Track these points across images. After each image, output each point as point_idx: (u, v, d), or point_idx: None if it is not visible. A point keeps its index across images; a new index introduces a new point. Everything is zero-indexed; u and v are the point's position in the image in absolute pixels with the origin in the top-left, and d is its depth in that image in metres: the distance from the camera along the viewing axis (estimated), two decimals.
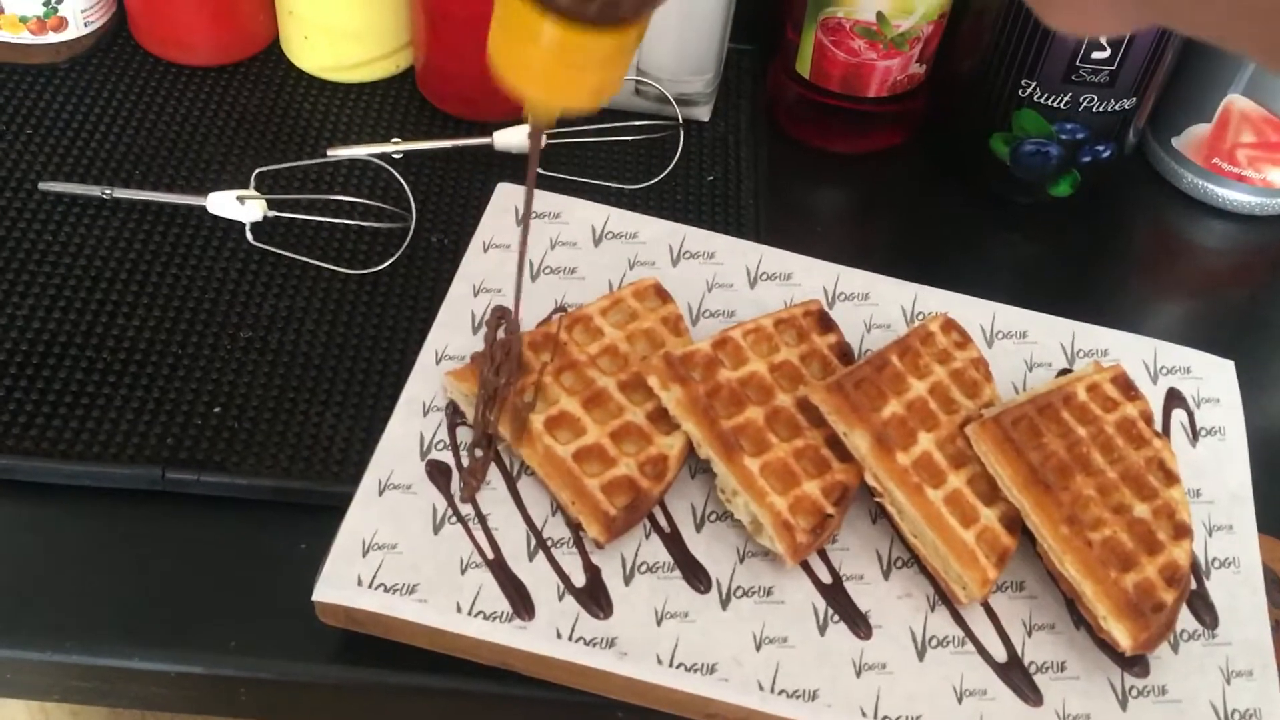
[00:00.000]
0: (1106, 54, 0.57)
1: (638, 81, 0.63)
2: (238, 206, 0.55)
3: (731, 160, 0.64)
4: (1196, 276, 0.65)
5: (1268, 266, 0.66)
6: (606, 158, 0.62)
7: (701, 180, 0.63)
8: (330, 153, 0.60)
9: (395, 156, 0.60)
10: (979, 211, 0.65)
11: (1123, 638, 0.43)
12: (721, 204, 0.62)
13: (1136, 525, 0.45)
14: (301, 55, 0.64)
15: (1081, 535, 0.43)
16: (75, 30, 0.62)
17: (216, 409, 0.50)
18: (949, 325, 0.50)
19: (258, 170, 0.56)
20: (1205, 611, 0.46)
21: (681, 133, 0.63)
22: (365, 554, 0.43)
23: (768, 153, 0.65)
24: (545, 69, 0.38)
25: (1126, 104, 0.59)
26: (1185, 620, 0.46)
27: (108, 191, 0.56)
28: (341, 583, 0.42)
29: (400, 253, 0.56)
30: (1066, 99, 0.59)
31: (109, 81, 0.63)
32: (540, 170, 0.60)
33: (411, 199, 0.56)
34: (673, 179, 0.62)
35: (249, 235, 0.56)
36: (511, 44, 0.40)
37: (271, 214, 0.56)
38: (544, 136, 0.49)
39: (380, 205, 0.58)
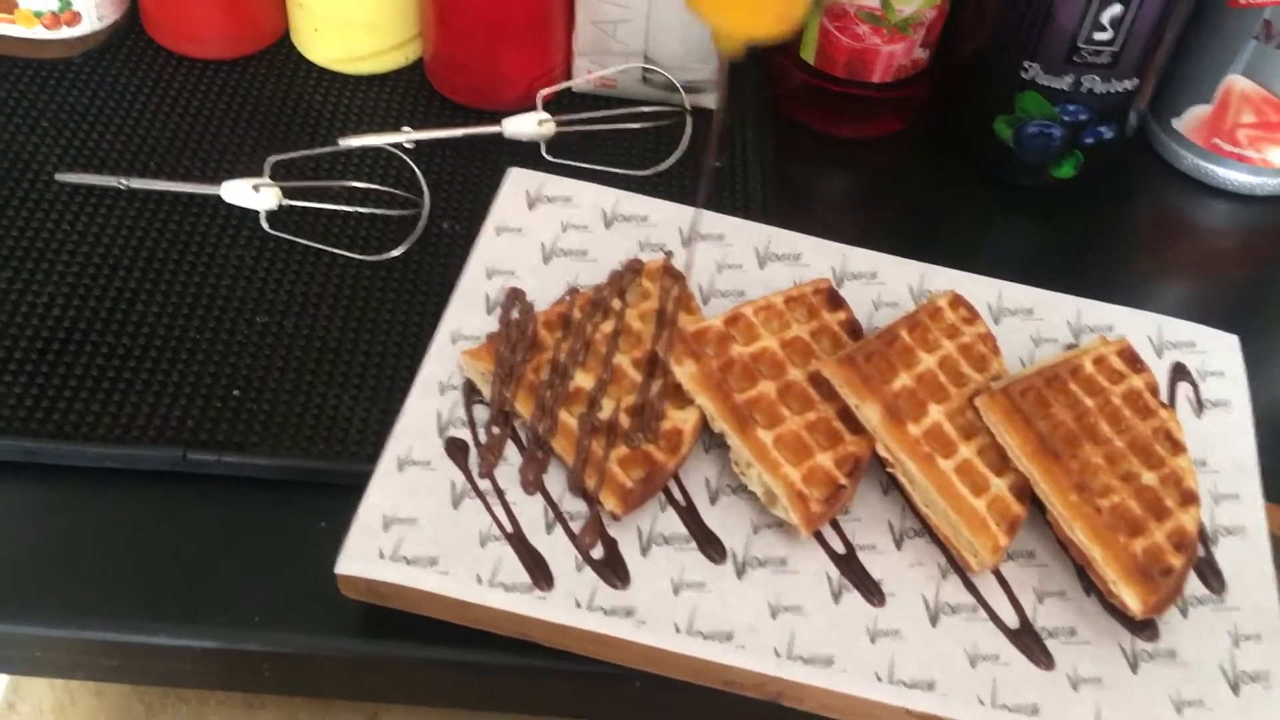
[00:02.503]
0: (1109, 35, 0.58)
1: (645, 70, 0.64)
2: (253, 195, 0.56)
3: (738, 146, 0.65)
4: (1198, 255, 0.66)
5: (1269, 245, 0.66)
6: (615, 145, 0.63)
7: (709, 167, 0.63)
8: (342, 142, 0.60)
9: (407, 145, 0.61)
10: (983, 194, 0.66)
11: (1132, 601, 0.43)
12: (729, 189, 0.62)
13: (1144, 492, 0.45)
14: (312, 48, 0.65)
15: (1090, 502, 0.44)
16: (89, 25, 0.63)
17: (235, 392, 0.50)
18: (957, 301, 0.51)
19: (272, 159, 0.57)
20: (1213, 577, 0.47)
21: (689, 119, 0.63)
22: (386, 528, 0.43)
23: (774, 139, 0.66)
24: None
25: (1128, 85, 0.60)
26: (1194, 586, 0.46)
27: (124, 182, 0.57)
28: (364, 556, 0.43)
29: (413, 239, 0.57)
30: (1069, 81, 0.60)
31: (123, 75, 0.64)
32: (550, 158, 0.61)
33: (424, 184, 0.57)
34: (681, 165, 0.63)
35: (264, 223, 0.56)
36: None
37: (286, 202, 0.57)
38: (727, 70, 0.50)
39: (393, 191, 0.58)
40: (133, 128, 0.61)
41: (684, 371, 0.47)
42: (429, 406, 0.47)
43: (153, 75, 0.64)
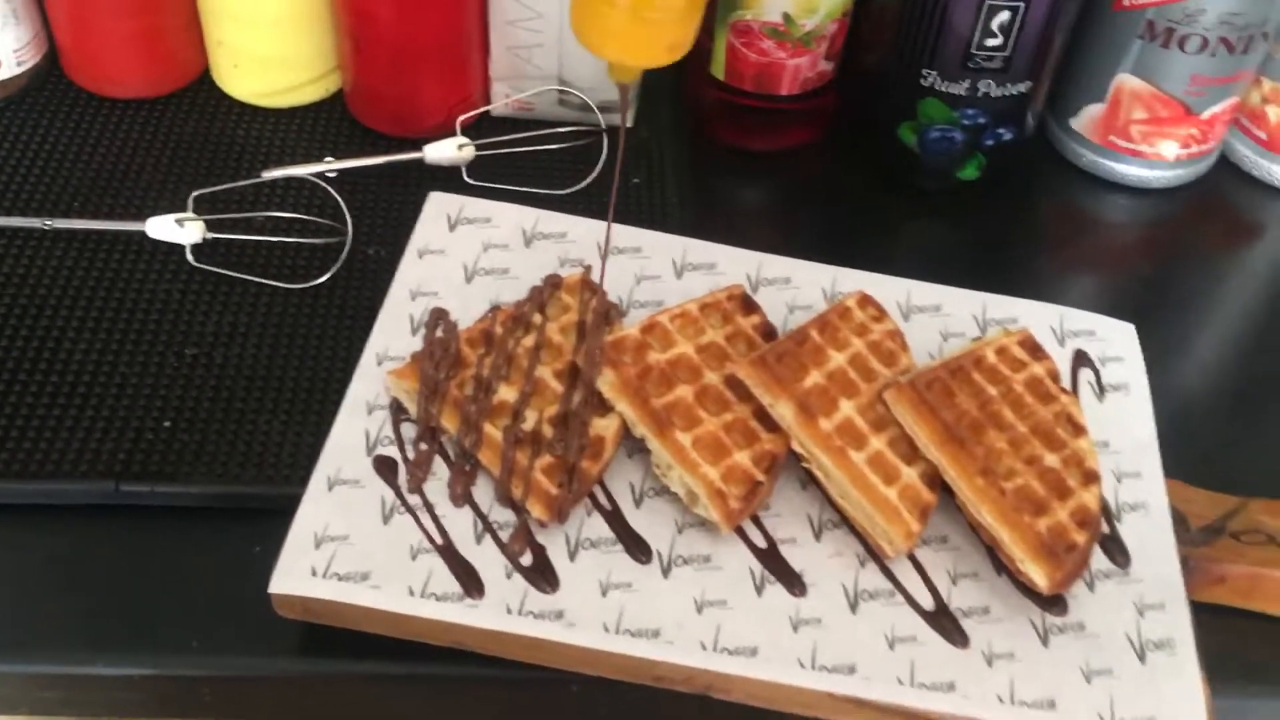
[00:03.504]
0: (999, 40, 0.60)
1: (560, 92, 0.66)
2: (176, 229, 0.57)
3: (655, 163, 0.67)
4: (1099, 248, 0.69)
5: (1164, 236, 0.69)
6: (534, 166, 0.65)
7: (627, 183, 0.65)
8: (265, 174, 0.61)
9: (330, 175, 0.62)
10: (893, 198, 0.68)
11: (1039, 578, 0.45)
12: (647, 205, 0.64)
13: (1047, 474, 0.48)
14: (232, 83, 0.66)
15: (996, 485, 0.46)
16: (8, 70, 0.64)
17: (166, 423, 0.51)
18: (865, 300, 0.53)
19: (195, 194, 0.58)
20: (1118, 552, 0.49)
21: (605, 138, 0.65)
22: (318, 546, 0.45)
23: (690, 154, 0.68)
24: (623, 28, 0.42)
25: (1022, 88, 0.63)
26: (1100, 561, 0.49)
27: (48, 223, 0.58)
28: (296, 574, 0.44)
29: (338, 266, 0.58)
30: (966, 86, 0.62)
31: (44, 118, 0.64)
32: (470, 180, 0.62)
33: (347, 212, 0.58)
34: (599, 183, 0.64)
35: (189, 257, 0.57)
36: (591, 8, 0.43)
37: (211, 235, 0.58)
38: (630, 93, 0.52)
39: (317, 220, 0.60)
40: (55, 169, 0.62)
41: (603, 380, 0.48)
42: (357, 426, 0.49)
43: (74, 117, 0.65)
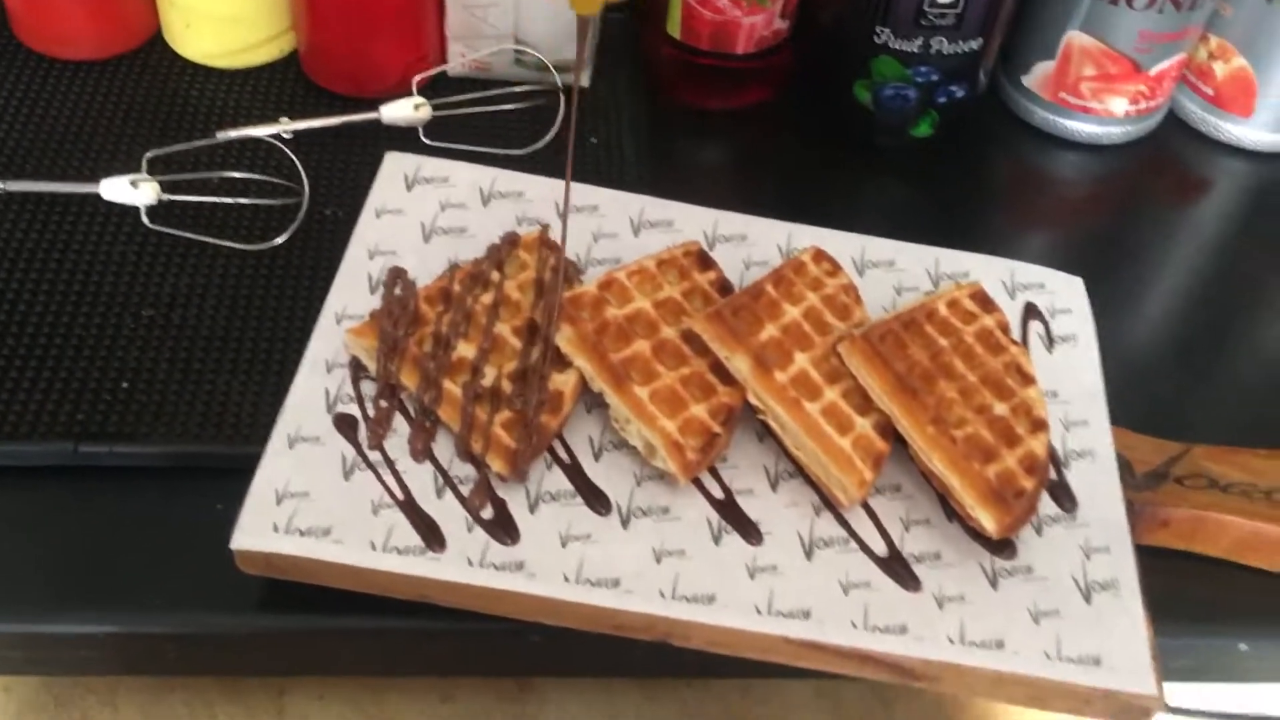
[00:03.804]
0: None
1: (517, 51, 0.66)
2: (131, 191, 0.57)
3: (613, 122, 0.67)
4: (1050, 204, 0.70)
5: (1115, 192, 0.71)
6: (490, 127, 0.65)
7: (585, 142, 0.65)
8: (220, 134, 0.61)
9: (285, 136, 0.62)
10: (848, 156, 0.69)
11: (988, 523, 0.46)
12: (605, 164, 0.64)
13: (997, 422, 0.49)
14: (185, 44, 0.66)
15: (946, 434, 0.47)
16: None
17: (124, 384, 0.51)
18: (819, 255, 0.54)
19: (149, 154, 0.58)
20: (1066, 498, 0.50)
21: (562, 98, 0.65)
22: (280, 502, 0.45)
23: (647, 113, 0.68)
24: None
25: (974, 45, 0.63)
26: (1048, 506, 0.50)
27: (0, 185, 0.57)
28: (258, 530, 0.44)
29: (295, 226, 0.58)
30: (918, 43, 0.63)
31: None
32: (427, 141, 0.62)
33: (303, 173, 0.58)
34: (557, 143, 0.64)
35: (144, 218, 0.57)
36: None
37: (166, 197, 0.58)
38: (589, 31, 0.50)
39: (273, 181, 0.59)
40: (7, 131, 0.61)
41: (561, 335, 0.49)
42: (316, 385, 0.49)
43: (24, 79, 0.64)
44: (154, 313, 0.54)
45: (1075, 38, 0.67)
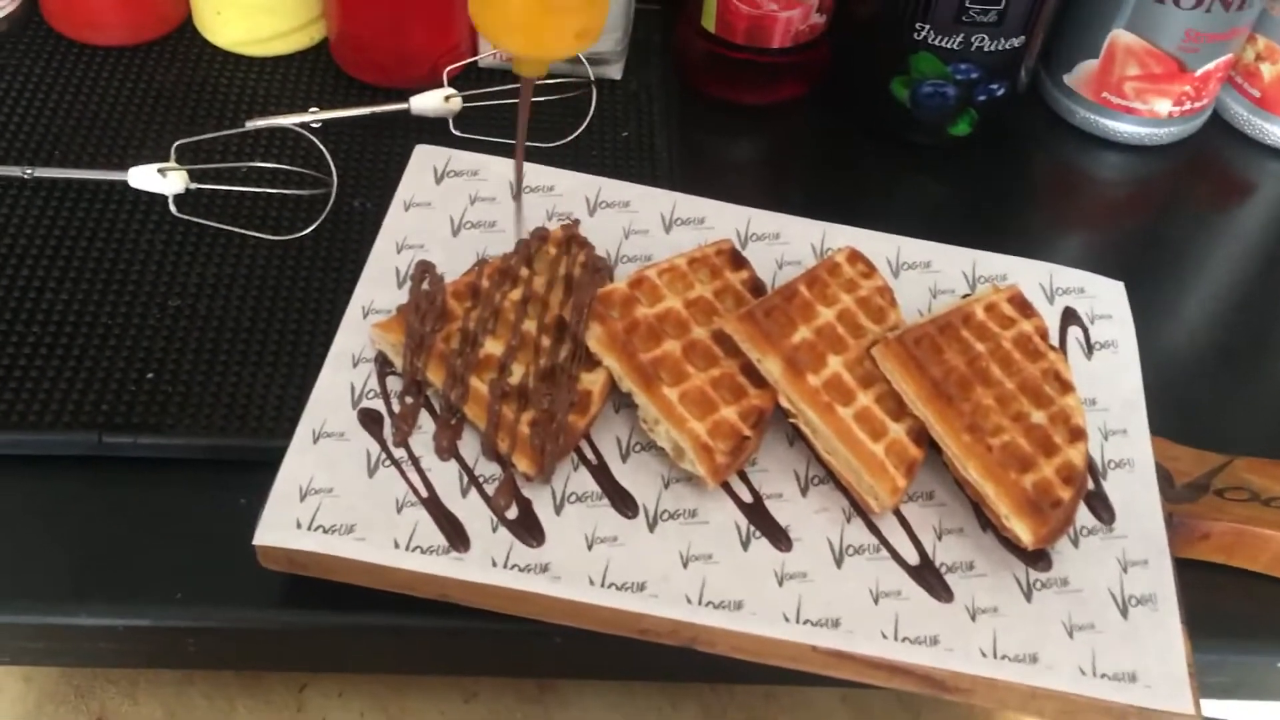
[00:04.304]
0: None
1: None
2: (159, 179, 0.56)
3: (645, 116, 0.66)
4: (1091, 206, 0.68)
5: (1157, 194, 0.69)
6: None
7: (617, 136, 0.64)
8: (249, 124, 0.61)
9: (314, 125, 0.61)
10: (884, 154, 0.68)
11: (1024, 533, 0.45)
12: (636, 158, 0.63)
13: (1034, 430, 0.48)
14: (215, 31, 0.65)
15: (982, 441, 0.46)
16: None
17: (150, 375, 0.51)
18: (854, 256, 0.53)
19: (177, 143, 0.57)
20: (1103, 509, 0.49)
21: (594, 91, 0.64)
22: (303, 498, 0.44)
23: (680, 107, 0.67)
24: (526, 19, 0.39)
25: (1016, 42, 0.62)
26: (1085, 517, 0.49)
27: (29, 171, 0.57)
28: (281, 526, 0.44)
29: (323, 218, 0.57)
30: (959, 40, 0.62)
31: (24, 65, 0.63)
32: (457, 132, 0.62)
33: (331, 164, 0.58)
34: (588, 136, 0.64)
35: (172, 207, 0.57)
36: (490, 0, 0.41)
37: (194, 186, 0.57)
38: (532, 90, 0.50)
39: (301, 171, 0.59)
40: (35, 117, 0.61)
41: (590, 334, 0.48)
42: (342, 379, 0.48)
43: (54, 65, 0.64)
44: (180, 303, 0.54)
45: (1120, 36, 0.65)
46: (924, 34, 0.62)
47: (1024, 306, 0.52)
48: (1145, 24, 0.64)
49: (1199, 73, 0.66)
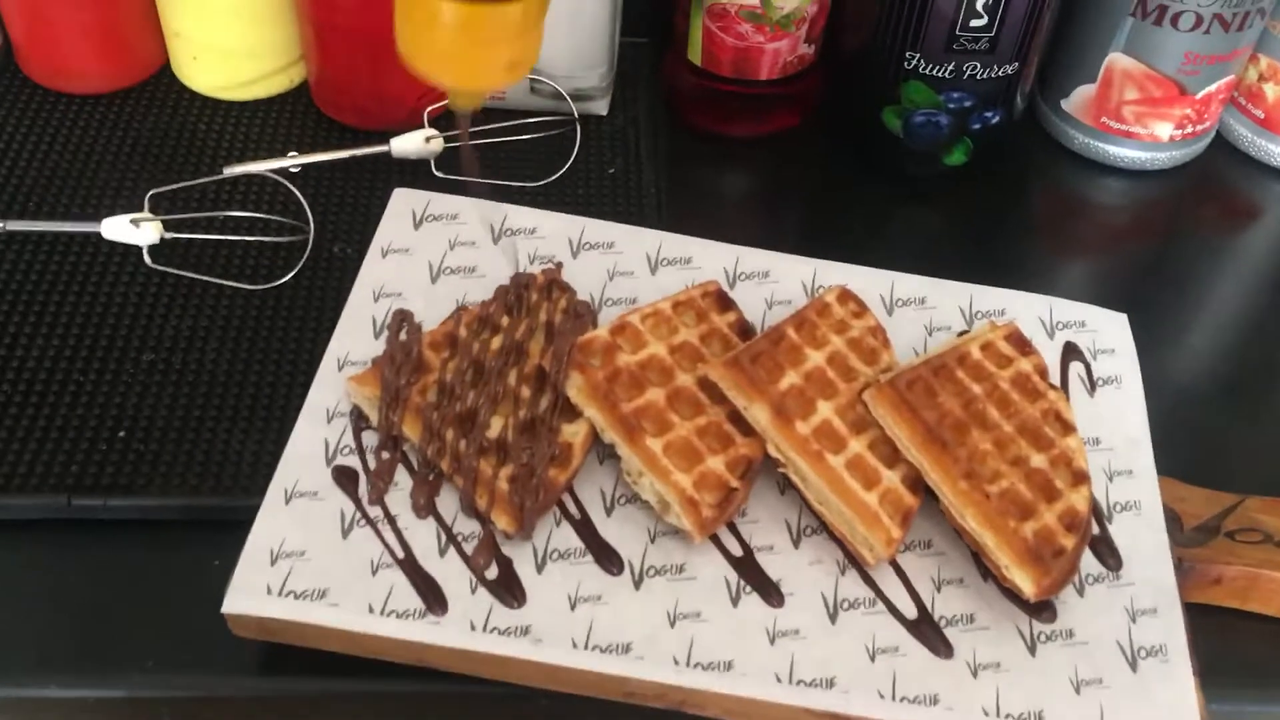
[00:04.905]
0: (985, 21, 0.58)
1: (533, 80, 0.64)
2: (132, 230, 0.55)
3: (631, 152, 0.65)
4: (1093, 234, 0.67)
5: (1160, 220, 0.67)
6: (506, 158, 0.63)
7: (603, 173, 0.63)
8: (226, 170, 0.59)
9: (293, 170, 0.60)
10: (878, 186, 0.66)
11: (1025, 585, 0.43)
12: (624, 195, 0.62)
13: (1034, 475, 0.46)
14: (193, 76, 0.64)
15: (980, 489, 0.44)
16: None
17: (121, 433, 0.49)
18: (845, 296, 0.51)
19: (151, 192, 0.56)
20: (1109, 554, 0.47)
21: (579, 127, 0.63)
22: (274, 562, 0.43)
23: (669, 142, 0.66)
24: (455, 51, 0.38)
25: (1009, 69, 0.61)
26: (1090, 564, 0.47)
27: (0, 225, 0.56)
28: (250, 593, 0.42)
29: (302, 265, 0.56)
30: (950, 68, 0.60)
31: None
32: (438, 174, 0.60)
33: (308, 210, 0.56)
34: (573, 174, 0.62)
35: (147, 258, 0.55)
36: (418, 33, 0.40)
37: (169, 235, 0.56)
38: (470, 122, 0.49)
39: (279, 219, 0.58)
40: (9, 168, 0.60)
41: (570, 384, 0.46)
42: (316, 436, 0.47)
43: (29, 114, 0.63)
44: (154, 356, 0.52)
45: (1117, 60, 0.64)
46: (915, 63, 0.60)
47: (1022, 344, 0.51)
48: (1143, 47, 0.63)
49: (1200, 95, 0.64)
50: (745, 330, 0.51)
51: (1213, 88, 0.64)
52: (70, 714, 0.45)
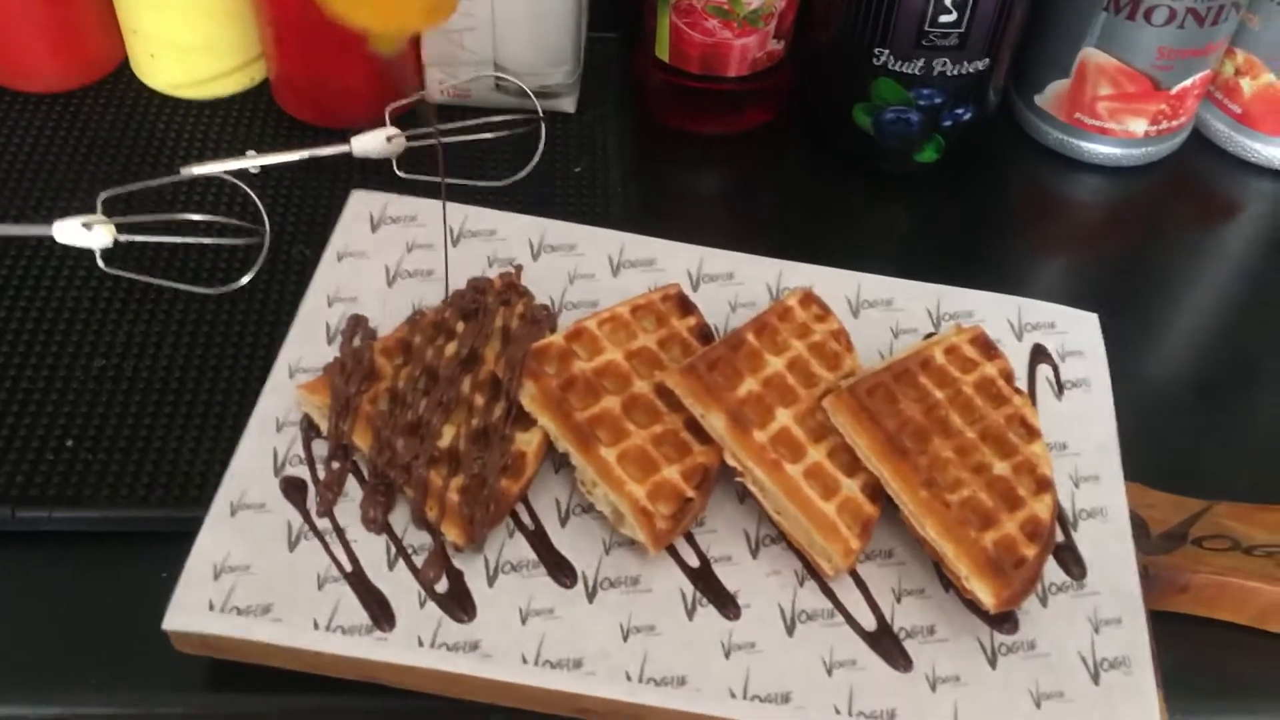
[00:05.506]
0: (954, 17, 0.57)
1: (497, 78, 0.63)
2: (85, 233, 0.54)
3: (599, 150, 0.63)
4: (1067, 231, 0.66)
5: (1134, 216, 0.66)
6: (469, 157, 0.62)
7: (569, 172, 0.62)
8: (183, 171, 0.58)
9: (253, 171, 0.59)
10: (850, 184, 0.65)
11: (985, 596, 0.43)
12: (589, 194, 0.61)
13: (997, 483, 0.45)
14: (151, 74, 0.63)
15: (940, 498, 0.44)
16: None
17: (69, 442, 0.48)
18: (808, 299, 0.50)
19: (104, 194, 0.55)
20: (1074, 563, 0.46)
21: (543, 125, 0.62)
22: (217, 577, 0.42)
23: (638, 140, 0.65)
24: None
25: (980, 65, 0.59)
26: (1054, 573, 0.46)
27: None
28: (192, 609, 0.41)
29: (258, 267, 0.55)
30: (920, 65, 0.59)
31: None
32: (402, 174, 0.59)
33: (264, 212, 0.55)
34: (539, 173, 0.61)
35: (99, 262, 0.54)
36: None
37: (123, 238, 0.55)
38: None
39: (234, 222, 0.56)
40: None
41: (524, 392, 0.45)
42: (265, 446, 0.46)
43: None
44: (105, 363, 0.51)
45: (1090, 55, 0.63)
46: (884, 59, 0.59)
47: (987, 348, 0.50)
48: (1116, 42, 0.62)
49: (1175, 90, 0.63)
50: (706, 335, 0.50)
51: (1188, 82, 0.63)
52: None
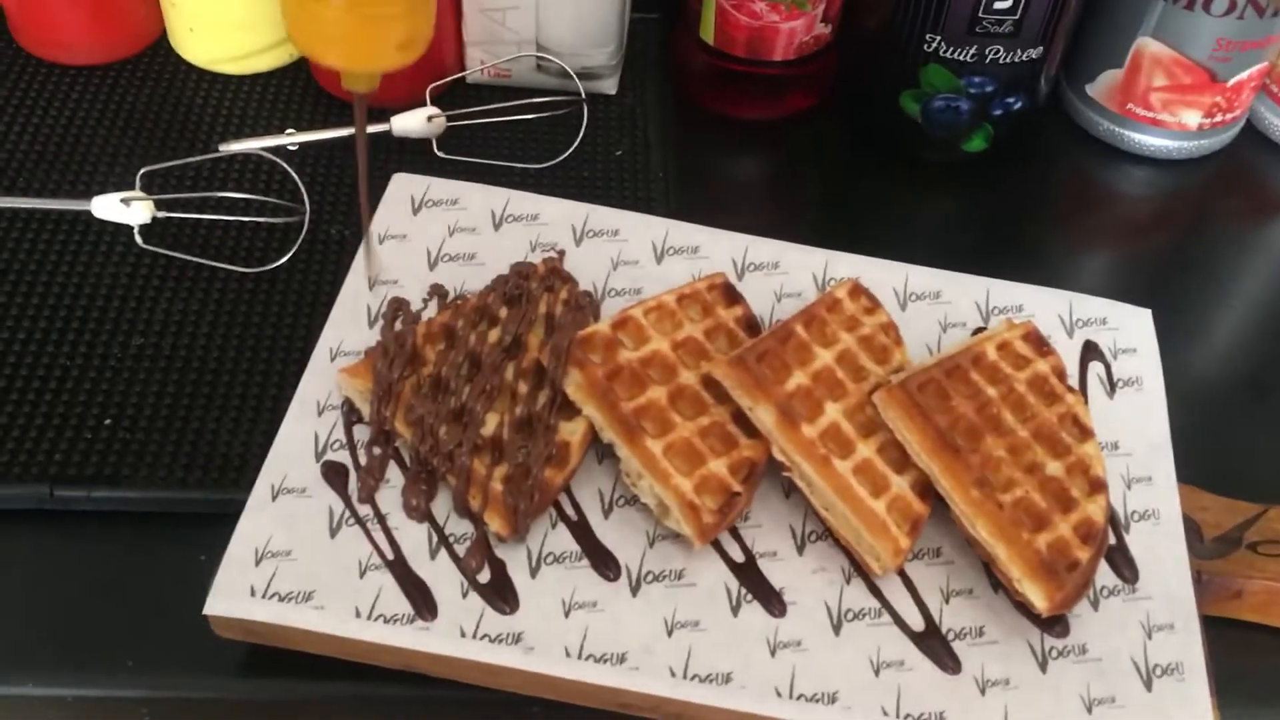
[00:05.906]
0: (1009, 3, 0.56)
1: (539, 58, 0.62)
2: (123, 209, 0.53)
3: (639, 133, 0.62)
4: (1116, 224, 0.64)
5: (1186, 210, 0.65)
6: (510, 138, 0.61)
7: (610, 155, 0.61)
8: (221, 148, 0.58)
9: (290, 148, 0.58)
10: (895, 172, 0.64)
11: (1038, 599, 0.42)
12: (630, 178, 0.60)
13: (1050, 484, 0.44)
14: (189, 48, 0.62)
15: (992, 498, 0.43)
16: None
17: (107, 421, 0.48)
18: (856, 291, 0.49)
19: (143, 170, 0.54)
20: (1125, 566, 0.45)
21: (585, 107, 0.61)
22: (258, 563, 0.41)
23: (678, 124, 0.64)
24: (344, 29, 0.37)
25: (1034, 53, 0.58)
26: (1105, 576, 0.45)
27: None
28: (233, 594, 0.41)
29: (297, 247, 0.54)
30: (972, 52, 0.58)
31: None
32: (441, 155, 0.59)
33: (305, 191, 0.55)
34: (579, 156, 0.60)
35: (138, 238, 0.54)
36: (303, 11, 0.38)
37: (161, 215, 0.54)
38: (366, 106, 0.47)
39: (274, 200, 0.56)
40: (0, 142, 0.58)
41: (569, 381, 0.45)
42: (306, 429, 0.45)
43: (21, 85, 0.61)
44: (143, 341, 0.51)
45: (1145, 45, 0.61)
46: (935, 45, 0.58)
47: (1040, 344, 0.49)
48: (1173, 32, 0.60)
49: (1231, 82, 0.62)
50: (752, 325, 0.49)
51: (1244, 75, 0.61)
52: (47, 712, 0.43)
